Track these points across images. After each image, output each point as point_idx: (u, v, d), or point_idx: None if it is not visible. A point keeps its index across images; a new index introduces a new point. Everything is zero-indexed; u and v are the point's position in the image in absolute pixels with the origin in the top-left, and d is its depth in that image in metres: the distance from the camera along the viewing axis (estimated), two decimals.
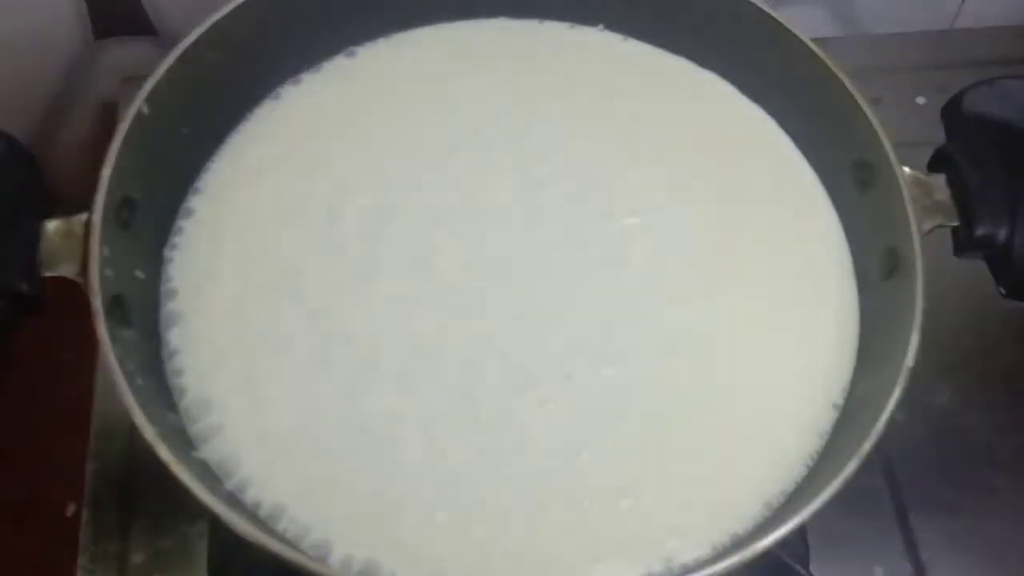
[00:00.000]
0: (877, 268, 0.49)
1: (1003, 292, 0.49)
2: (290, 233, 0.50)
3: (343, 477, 0.44)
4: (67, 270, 0.44)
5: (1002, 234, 0.47)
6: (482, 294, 0.49)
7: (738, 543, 0.43)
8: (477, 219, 0.51)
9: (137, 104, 0.47)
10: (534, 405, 0.46)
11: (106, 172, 0.45)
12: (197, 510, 0.41)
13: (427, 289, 0.49)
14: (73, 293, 0.44)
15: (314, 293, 0.48)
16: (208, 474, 0.44)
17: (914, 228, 0.47)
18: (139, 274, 0.48)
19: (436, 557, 0.43)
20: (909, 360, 0.43)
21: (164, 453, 0.40)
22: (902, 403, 0.43)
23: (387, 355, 0.47)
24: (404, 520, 0.43)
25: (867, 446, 0.42)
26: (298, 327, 0.48)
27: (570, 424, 0.46)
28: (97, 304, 0.43)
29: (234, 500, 0.43)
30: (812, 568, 0.53)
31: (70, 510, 0.72)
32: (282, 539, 0.42)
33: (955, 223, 0.48)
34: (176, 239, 0.50)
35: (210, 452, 0.44)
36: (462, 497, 0.44)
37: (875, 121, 0.49)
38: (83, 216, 0.45)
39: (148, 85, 0.48)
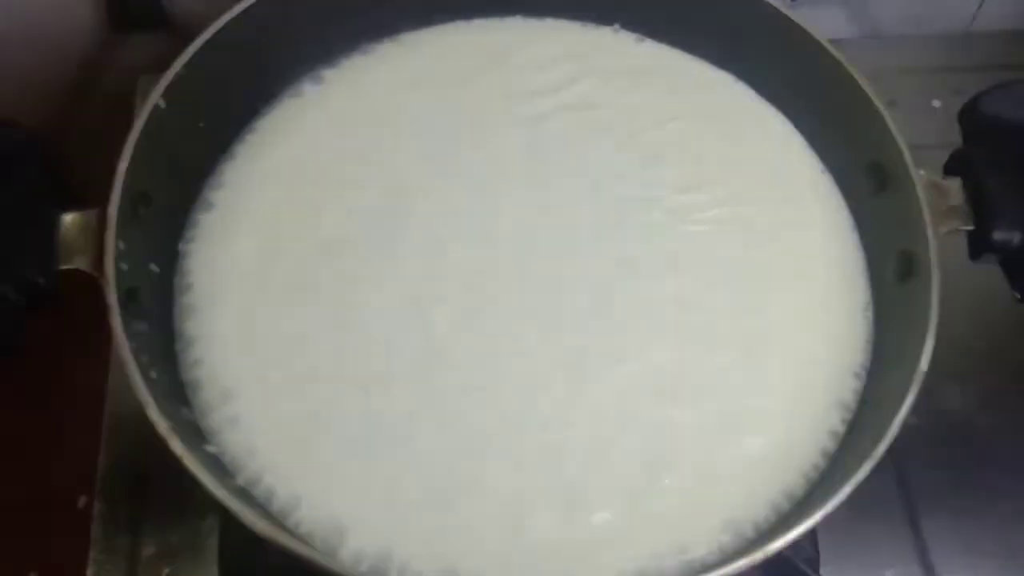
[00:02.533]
0: (892, 271, 0.49)
1: (1018, 296, 0.48)
2: (307, 229, 0.50)
3: (358, 471, 0.44)
4: (82, 263, 0.45)
5: (1018, 238, 0.47)
6: (496, 292, 0.49)
7: (749, 546, 0.43)
8: (490, 217, 0.51)
9: (154, 99, 0.47)
10: (549, 404, 0.46)
11: (122, 166, 0.45)
12: (209, 504, 0.41)
13: (442, 287, 0.49)
14: (88, 286, 0.44)
15: (330, 289, 0.49)
16: (220, 468, 0.44)
17: (929, 231, 0.47)
18: (154, 268, 0.48)
19: (449, 553, 0.43)
20: (923, 364, 0.43)
21: (177, 447, 0.40)
22: (914, 406, 0.42)
23: (401, 351, 0.47)
24: (418, 515, 0.43)
25: (880, 449, 0.41)
26: (313, 322, 0.48)
27: (585, 423, 0.46)
28: (112, 297, 0.43)
29: (245, 494, 0.43)
30: (822, 572, 0.53)
31: (82, 503, 0.72)
32: (293, 534, 0.42)
33: (970, 227, 0.48)
34: (192, 233, 0.50)
35: (224, 443, 0.45)
36: (476, 494, 0.44)
37: (891, 123, 0.49)
38: (99, 210, 0.45)
39: (165, 80, 0.48)
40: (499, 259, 0.50)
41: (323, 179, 0.52)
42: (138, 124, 0.46)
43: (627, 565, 0.43)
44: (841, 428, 0.47)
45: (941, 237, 0.47)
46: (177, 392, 0.46)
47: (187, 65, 0.49)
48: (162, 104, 0.47)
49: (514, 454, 0.45)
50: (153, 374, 0.43)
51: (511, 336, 0.48)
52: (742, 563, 0.40)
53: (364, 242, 0.50)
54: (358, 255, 0.50)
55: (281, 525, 0.43)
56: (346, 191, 0.52)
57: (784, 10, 0.53)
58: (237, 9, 0.51)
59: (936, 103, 0.72)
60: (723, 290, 0.50)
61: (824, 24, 0.53)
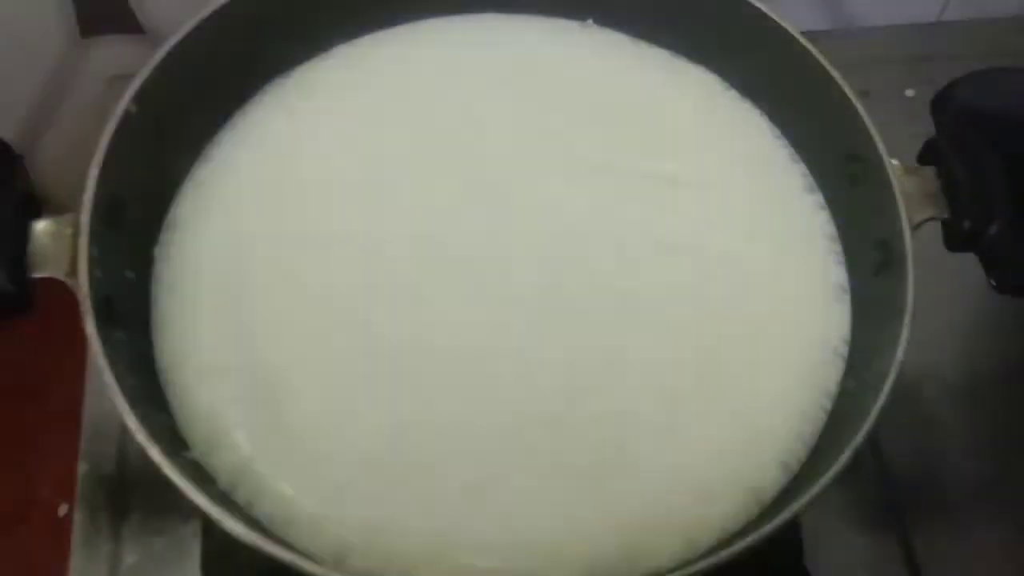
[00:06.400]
0: (869, 261, 0.49)
1: (994, 285, 0.49)
2: (286, 228, 0.50)
3: (343, 472, 0.44)
4: (56, 271, 0.44)
5: (992, 227, 0.47)
6: (481, 288, 0.49)
7: (731, 538, 0.43)
8: (475, 206, 0.51)
9: (124, 103, 0.47)
10: (544, 400, 0.46)
11: (94, 172, 0.45)
12: (190, 510, 0.41)
13: (427, 283, 0.49)
14: (63, 293, 0.43)
15: (312, 288, 0.48)
16: (200, 474, 0.43)
17: (904, 221, 0.47)
18: (129, 274, 0.47)
19: (443, 552, 0.43)
20: (900, 354, 0.44)
21: (155, 454, 0.40)
22: (893, 397, 0.43)
23: (388, 350, 0.47)
24: (409, 516, 0.43)
25: (858, 440, 0.42)
26: (296, 323, 0.47)
27: (576, 418, 0.46)
28: (87, 305, 0.42)
29: (226, 499, 0.43)
30: (806, 564, 0.53)
31: (62, 511, 0.72)
32: (275, 538, 0.42)
33: (945, 216, 0.48)
34: (168, 236, 0.50)
35: (204, 449, 0.44)
36: (469, 493, 0.44)
37: (864, 114, 0.49)
38: (71, 216, 0.44)
39: (135, 84, 0.47)
40: (484, 247, 0.50)
41: (301, 178, 0.52)
42: (109, 129, 0.46)
43: (610, 560, 0.43)
44: (821, 418, 0.47)
45: (916, 226, 0.47)
46: (156, 398, 0.46)
47: (158, 69, 0.48)
48: (133, 109, 0.47)
49: (510, 455, 0.45)
50: (130, 380, 0.42)
51: (500, 332, 0.48)
52: (725, 555, 0.40)
53: (344, 240, 0.50)
54: (339, 253, 0.49)
55: (263, 530, 0.42)
56: (324, 188, 0.51)
57: (757, 3, 0.53)
58: (208, 11, 0.50)
59: (909, 92, 0.73)
60: (704, 280, 0.50)
61: (796, 16, 0.53)
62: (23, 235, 0.45)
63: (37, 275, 0.44)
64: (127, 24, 0.70)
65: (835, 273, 0.51)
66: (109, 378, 0.41)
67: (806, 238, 0.52)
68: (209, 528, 0.54)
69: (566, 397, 0.46)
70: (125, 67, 0.49)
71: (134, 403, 0.41)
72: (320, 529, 0.43)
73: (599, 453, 0.45)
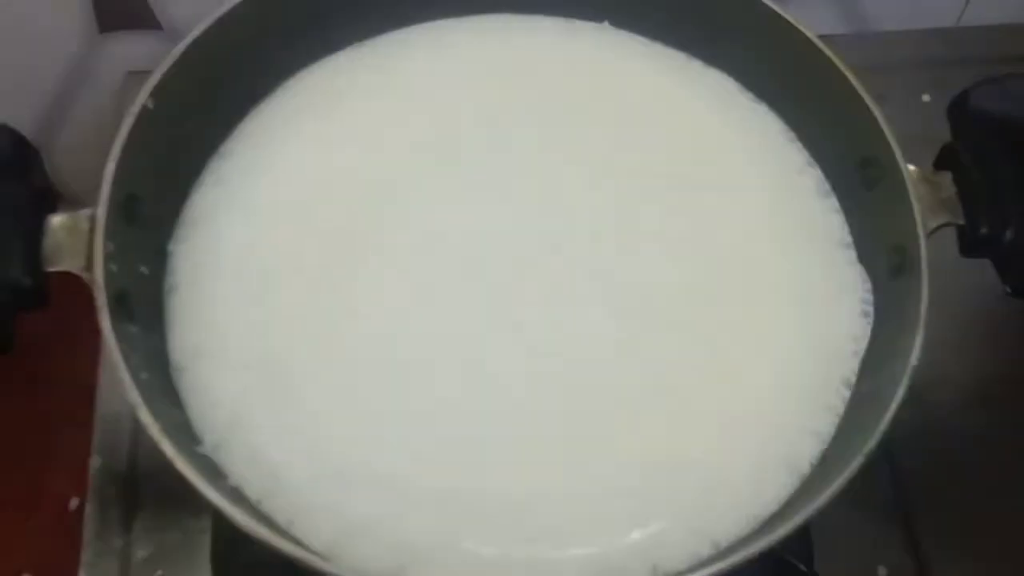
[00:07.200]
0: (883, 266, 0.49)
1: (1008, 291, 0.49)
2: (300, 225, 0.50)
3: (358, 470, 0.44)
4: (71, 265, 0.44)
5: (1008, 233, 0.47)
6: (489, 277, 0.49)
7: (742, 541, 0.43)
8: (487, 205, 0.51)
9: (142, 99, 0.47)
10: (552, 400, 0.46)
11: (110, 167, 0.45)
12: (201, 504, 0.41)
13: (438, 274, 0.49)
14: (78, 287, 0.44)
15: (327, 286, 0.48)
16: (212, 469, 0.44)
17: (920, 226, 0.47)
18: (143, 269, 0.48)
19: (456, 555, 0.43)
20: (914, 359, 0.43)
21: (168, 449, 0.40)
22: (906, 401, 0.43)
23: (402, 347, 0.47)
24: (422, 516, 0.43)
25: (871, 444, 0.42)
26: (310, 320, 0.47)
27: (583, 419, 0.46)
28: (102, 299, 0.43)
29: (238, 495, 0.43)
30: (816, 566, 0.53)
31: (73, 504, 0.72)
32: (286, 534, 0.42)
33: (961, 221, 0.48)
34: (183, 232, 0.50)
35: (216, 444, 0.44)
36: (481, 494, 0.44)
37: (881, 118, 0.49)
38: (88, 211, 0.45)
39: (153, 80, 0.48)
40: (493, 250, 0.50)
41: (316, 175, 0.52)
42: (126, 125, 0.46)
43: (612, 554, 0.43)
44: (833, 422, 0.47)
45: (931, 232, 0.47)
46: (169, 393, 0.46)
47: (175, 65, 0.48)
48: (150, 104, 0.47)
49: (516, 448, 0.45)
50: (144, 375, 0.42)
51: (508, 327, 0.48)
52: (736, 558, 0.40)
53: (360, 238, 0.50)
54: (354, 252, 0.49)
55: (274, 525, 0.42)
56: (340, 185, 0.51)
57: (774, 7, 0.53)
58: (226, 7, 0.50)
59: (925, 97, 0.72)
60: (713, 290, 0.50)
61: (814, 20, 0.53)
62: (39, 229, 0.45)
63: (53, 269, 0.45)
64: (145, 20, 0.71)
65: (850, 277, 0.51)
66: (123, 372, 0.41)
67: (821, 242, 0.52)
68: (220, 523, 0.54)
69: (573, 395, 0.46)
70: (143, 63, 0.49)
71: (147, 398, 0.41)
72: (330, 524, 0.43)
73: (605, 449, 0.45)
